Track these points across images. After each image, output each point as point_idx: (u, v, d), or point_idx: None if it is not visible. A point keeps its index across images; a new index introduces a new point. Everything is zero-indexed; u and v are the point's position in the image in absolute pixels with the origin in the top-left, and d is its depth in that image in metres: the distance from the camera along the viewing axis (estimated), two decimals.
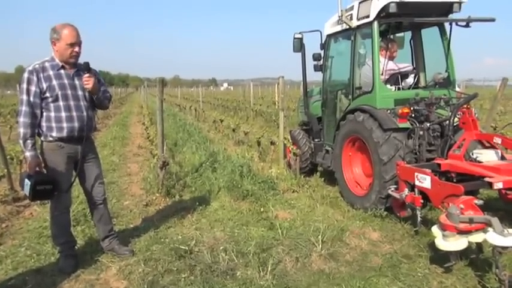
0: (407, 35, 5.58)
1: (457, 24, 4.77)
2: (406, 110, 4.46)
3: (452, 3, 4.67)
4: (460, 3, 4.67)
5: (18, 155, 5.93)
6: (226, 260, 3.51)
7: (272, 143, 7.46)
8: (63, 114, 3.20)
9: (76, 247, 3.66)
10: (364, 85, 5.09)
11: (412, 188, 3.81)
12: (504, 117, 12.72)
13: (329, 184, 5.95)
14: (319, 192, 5.60)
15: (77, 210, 4.50)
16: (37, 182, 3.09)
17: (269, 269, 3.30)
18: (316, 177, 6.28)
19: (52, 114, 3.19)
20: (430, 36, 5.30)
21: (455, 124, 4.38)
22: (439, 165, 3.99)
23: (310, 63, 6.20)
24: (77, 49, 3.19)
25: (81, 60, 3.35)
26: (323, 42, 6.00)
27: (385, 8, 4.51)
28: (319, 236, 3.86)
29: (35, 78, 3.12)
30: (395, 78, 5.21)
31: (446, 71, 5.08)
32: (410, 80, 5.27)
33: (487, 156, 3.98)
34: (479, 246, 3.23)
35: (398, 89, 5.13)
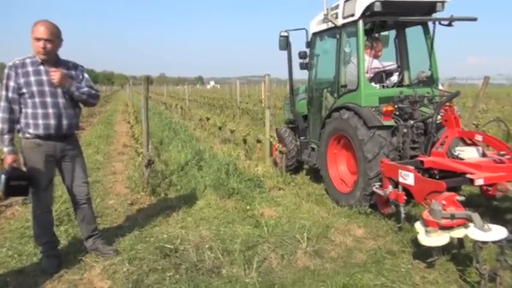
0: (392, 33, 5.63)
1: (440, 23, 4.84)
2: (390, 108, 4.51)
3: (435, 3, 4.73)
4: (443, 2, 4.73)
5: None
6: (211, 258, 3.50)
7: (258, 141, 7.45)
8: (39, 111, 3.15)
9: (59, 247, 3.61)
10: (349, 83, 5.12)
11: (396, 184, 3.86)
12: (486, 115, 12.95)
13: (315, 182, 5.98)
14: (305, 189, 5.64)
15: (60, 209, 4.45)
16: (11, 178, 3.05)
17: (254, 266, 3.31)
18: (302, 175, 6.32)
19: (29, 110, 3.15)
20: (414, 35, 5.36)
21: (438, 122, 4.46)
22: (422, 162, 4.05)
23: (296, 61, 6.23)
24: (42, 44, 3.08)
25: (64, 57, 3.31)
26: (309, 40, 6.02)
27: (370, 7, 4.55)
28: (305, 233, 3.89)
29: (13, 74, 3.10)
30: (380, 77, 5.26)
31: (429, 69, 5.15)
32: (394, 78, 5.32)
33: (469, 153, 4.06)
34: (461, 241, 3.30)
35: (383, 87, 5.19)
